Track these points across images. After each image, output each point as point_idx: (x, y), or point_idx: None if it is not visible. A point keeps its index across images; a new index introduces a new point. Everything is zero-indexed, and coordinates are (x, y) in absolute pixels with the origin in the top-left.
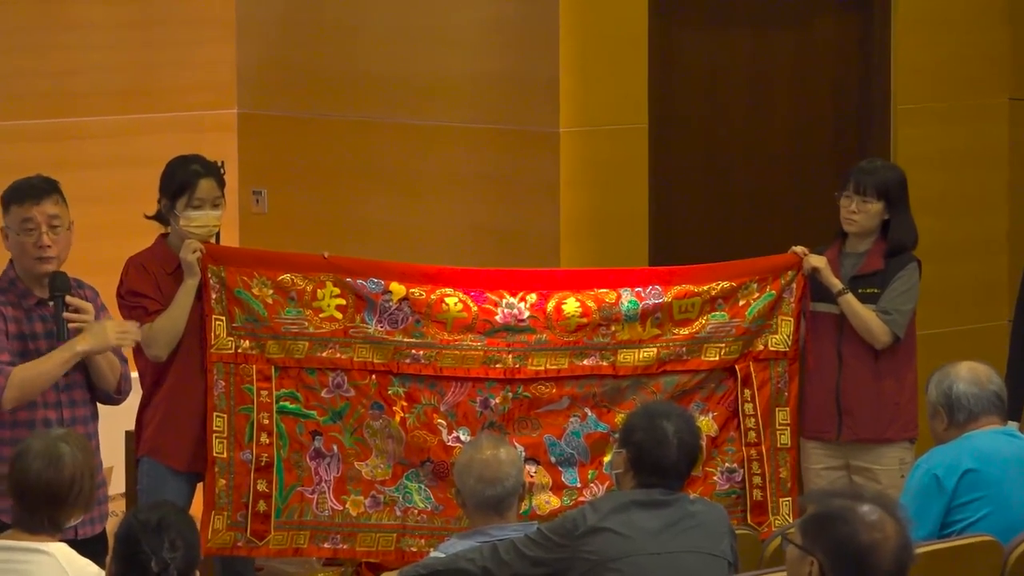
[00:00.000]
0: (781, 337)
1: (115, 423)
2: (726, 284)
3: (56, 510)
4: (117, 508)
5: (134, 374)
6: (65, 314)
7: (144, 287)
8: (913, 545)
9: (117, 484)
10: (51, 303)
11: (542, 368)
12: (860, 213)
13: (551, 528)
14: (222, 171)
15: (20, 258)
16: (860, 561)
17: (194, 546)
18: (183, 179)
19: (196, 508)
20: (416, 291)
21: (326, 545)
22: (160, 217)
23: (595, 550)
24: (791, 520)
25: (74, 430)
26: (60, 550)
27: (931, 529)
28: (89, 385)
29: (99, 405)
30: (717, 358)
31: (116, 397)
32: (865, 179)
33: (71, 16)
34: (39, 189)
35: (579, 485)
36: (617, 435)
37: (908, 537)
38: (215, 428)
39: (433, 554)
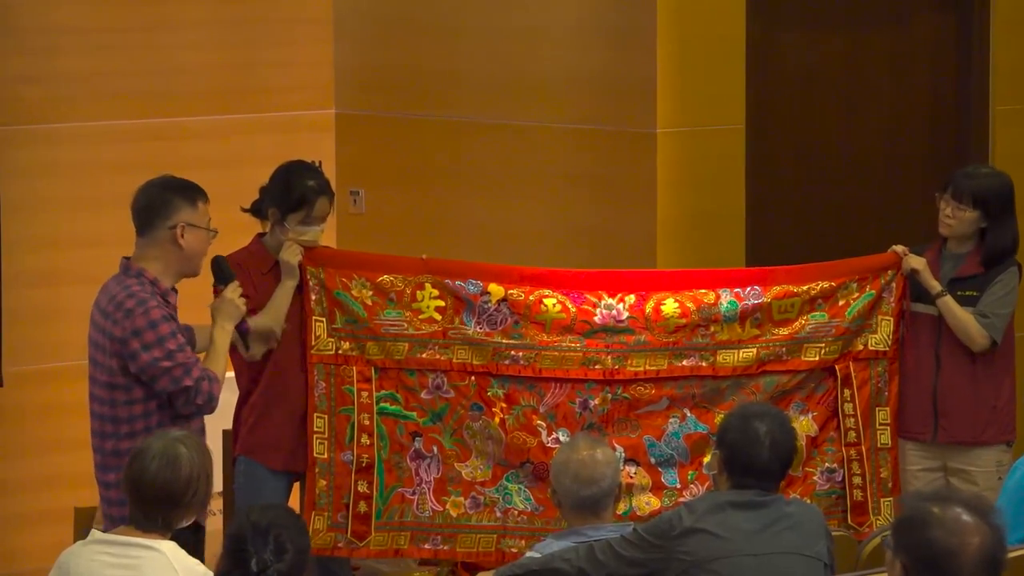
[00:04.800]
0: (881, 337)
1: (212, 421)
2: (825, 284)
3: (170, 511)
4: (214, 506)
5: (229, 374)
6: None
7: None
8: (1004, 550)
9: (215, 482)
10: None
11: (641, 369)
12: (954, 219)
13: (647, 529)
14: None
15: (193, 258)
16: (939, 565)
17: (303, 551)
18: (301, 195)
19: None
20: (515, 292)
21: (426, 546)
22: (256, 211)
23: (691, 551)
24: (892, 521)
25: (193, 433)
26: (170, 548)
27: None
28: None
29: None
30: (817, 358)
31: None
32: (963, 185)
33: (169, 16)
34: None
35: (679, 486)
36: (715, 436)
37: (999, 542)
38: (315, 429)
39: (529, 554)
